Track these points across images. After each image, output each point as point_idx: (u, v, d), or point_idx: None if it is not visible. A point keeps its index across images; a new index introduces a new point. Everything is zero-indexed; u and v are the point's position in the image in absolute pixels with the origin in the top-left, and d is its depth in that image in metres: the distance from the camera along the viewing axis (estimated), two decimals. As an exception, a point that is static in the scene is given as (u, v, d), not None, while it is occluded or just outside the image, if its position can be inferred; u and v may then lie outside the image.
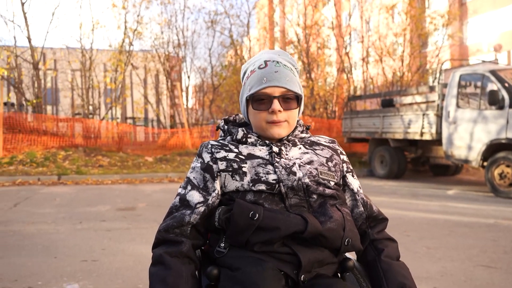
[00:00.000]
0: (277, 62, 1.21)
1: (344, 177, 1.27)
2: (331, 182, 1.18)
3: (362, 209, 1.25)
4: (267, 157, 1.18)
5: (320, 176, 1.17)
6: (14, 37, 13.12)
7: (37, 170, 9.32)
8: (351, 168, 1.31)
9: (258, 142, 1.22)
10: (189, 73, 15.59)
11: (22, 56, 12.24)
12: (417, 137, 8.89)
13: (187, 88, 15.90)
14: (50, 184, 8.39)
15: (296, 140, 1.26)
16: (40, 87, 12.19)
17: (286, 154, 1.20)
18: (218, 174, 1.17)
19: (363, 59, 15.55)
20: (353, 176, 1.30)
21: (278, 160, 1.17)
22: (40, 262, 3.20)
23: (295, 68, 1.27)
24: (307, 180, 1.14)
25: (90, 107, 13.34)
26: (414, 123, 8.96)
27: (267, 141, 1.22)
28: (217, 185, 1.17)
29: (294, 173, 1.14)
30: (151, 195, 7.02)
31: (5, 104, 13.87)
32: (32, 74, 12.17)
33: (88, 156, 10.65)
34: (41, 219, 4.85)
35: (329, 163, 1.23)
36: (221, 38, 16.18)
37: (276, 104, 1.16)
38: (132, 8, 13.30)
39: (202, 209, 1.13)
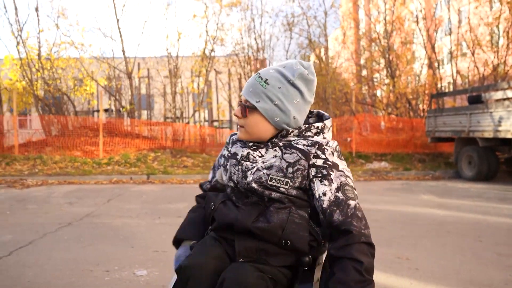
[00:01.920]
0: (259, 74, 1.34)
1: (310, 182, 1.28)
2: (280, 188, 1.28)
3: (322, 216, 1.25)
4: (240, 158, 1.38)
5: (269, 182, 1.28)
6: (112, 50, 14.61)
7: (130, 170, 10.30)
8: (325, 172, 1.27)
9: (240, 143, 1.42)
10: (268, 75, 15.93)
11: (118, 67, 13.58)
12: (509, 135, 8.16)
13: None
14: (140, 182, 9.23)
15: (280, 144, 1.35)
16: (133, 94, 13.41)
17: (254, 157, 1.35)
18: (218, 166, 1.55)
19: (450, 53, 14.57)
20: (322, 181, 1.26)
21: (242, 163, 1.36)
22: (119, 251, 3.63)
23: (286, 81, 1.32)
24: (254, 185, 1.30)
25: (177, 112, 14.34)
26: (505, 120, 8.23)
27: (249, 143, 1.39)
28: (216, 174, 1.57)
29: (246, 177, 1.33)
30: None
31: (105, 110, 15.51)
32: (127, 84, 13.45)
33: (174, 157, 11.48)
34: (127, 214, 5.42)
35: (289, 169, 1.29)
36: (299, 40, 16.26)
37: (236, 110, 1.37)
38: (213, 16, 13.98)
39: (209, 185, 1.62)
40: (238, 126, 1.39)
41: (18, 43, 13.05)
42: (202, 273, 1.22)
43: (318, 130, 1.37)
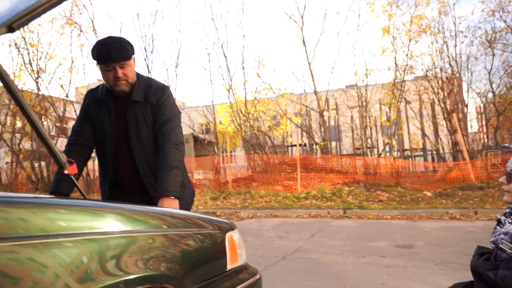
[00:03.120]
0: None
1: None
2: (507, 251, 1.57)
3: None
4: None
5: (500, 245, 1.61)
6: (304, 90, 15.77)
7: (327, 204, 10.79)
8: None
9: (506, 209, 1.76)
10: (467, 100, 14.61)
11: (310, 105, 14.60)
12: None
13: (465, 116, 14.90)
14: (337, 217, 9.58)
15: None
16: (325, 131, 14.15)
17: (503, 223, 1.67)
18: None
19: None
20: None
21: (495, 226, 1.71)
22: (333, 289, 3.95)
23: None
24: (492, 245, 1.67)
25: (368, 143, 14.39)
26: None
27: (506, 209, 1.72)
28: None
29: (491, 238, 1.71)
30: (430, 233, 7.04)
31: (299, 145, 16.70)
32: (319, 121, 14.31)
33: (368, 191, 11.51)
34: (332, 250, 5.77)
35: None
36: (503, 56, 14.45)
37: (502, 178, 1.67)
38: (401, 48, 13.78)
39: None
40: (505, 192, 1.71)
41: (228, 93, 15.46)
42: None
43: None
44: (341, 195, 11.28)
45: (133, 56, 2.28)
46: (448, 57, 13.90)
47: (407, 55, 13.54)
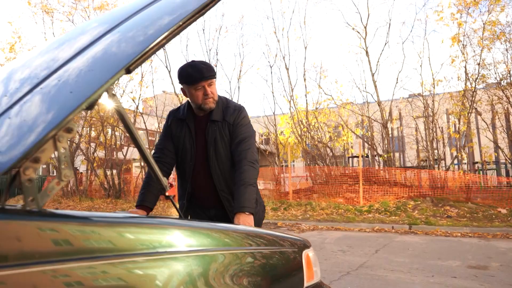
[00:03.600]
0: None
1: None
2: None
3: None
4: None
5: None
6: (367, 101, 15.45)
7: (391, 218, 10.46)
8: None
9: None
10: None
11: (372, 117, 14.28)
12: None
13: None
14: (402, 232, 9.25)
15: None
16: (389, 143, 13.75)
17: None
18: None
19: None
20: None
21: None
22: (401, 308, 3.85)
23: None
24: None
25: (435, 154, 13.77)
26: None
27: None
28: None
29: None
30: (506, 254, 6.60)
31: (361, 156, 16.35)
32: (382, 132, 13.95)
33: (435, 206, 11.01)
34: (398, 268, 5.60)
35: None
36: None
37: None
38: (472, 56, 13.11)
39: None
40: None
41: (290, 104, 15.57)
42: None
43: None
44: (406, 210, 10.89)
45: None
46: (525, 64, 13.00)
47: (478, 63, 12.85)
